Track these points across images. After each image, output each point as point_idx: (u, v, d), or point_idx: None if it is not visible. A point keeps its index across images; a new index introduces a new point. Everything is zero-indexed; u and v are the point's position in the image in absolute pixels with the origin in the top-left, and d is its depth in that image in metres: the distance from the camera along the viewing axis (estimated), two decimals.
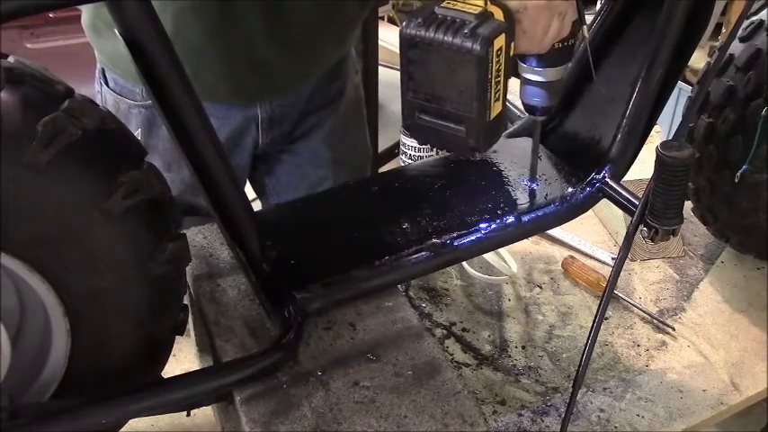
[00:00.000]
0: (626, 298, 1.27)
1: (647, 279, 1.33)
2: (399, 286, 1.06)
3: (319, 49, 1.23)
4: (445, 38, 0.83)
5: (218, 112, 1.17)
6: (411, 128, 0.93)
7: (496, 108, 0.89)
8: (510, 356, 1.17)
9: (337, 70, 1.32)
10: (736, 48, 1.16)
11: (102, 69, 1.24)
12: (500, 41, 0.84)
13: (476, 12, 0.84)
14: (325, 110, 1.33)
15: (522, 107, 1.21)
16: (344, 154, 1.39)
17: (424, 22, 0.85)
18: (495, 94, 0.88)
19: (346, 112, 1.37)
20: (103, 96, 1.25)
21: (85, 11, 1.19)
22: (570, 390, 0.95)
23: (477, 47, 0.82)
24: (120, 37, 0.78)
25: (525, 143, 1.17)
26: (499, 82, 0.88)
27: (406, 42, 0.86)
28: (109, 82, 1.23)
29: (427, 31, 0.84)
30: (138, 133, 1.21)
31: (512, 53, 0.89)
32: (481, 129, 0.89)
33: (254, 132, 1.26)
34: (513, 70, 0.92)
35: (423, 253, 0.99)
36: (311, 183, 1.37)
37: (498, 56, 0.85)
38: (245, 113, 1.23)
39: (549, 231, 1.41)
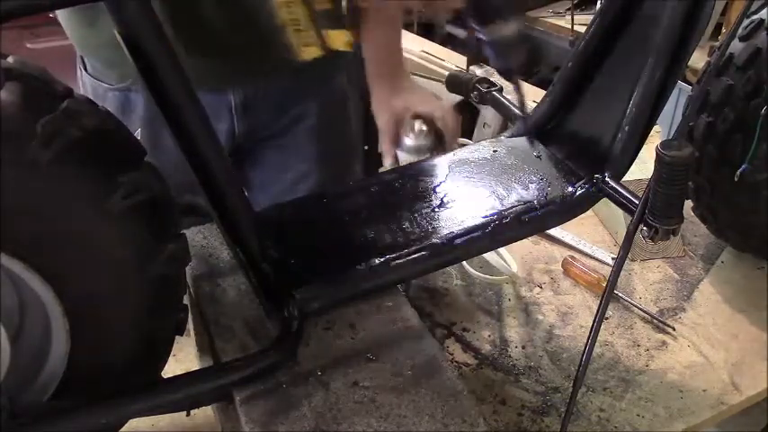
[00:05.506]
0: (626, 298, 1.27)
1: (647, 279, 1.33)
2: (399, 286, 1.05)
3: (281, 37, 1.21)
4: None
5: None
6: None
7: None
8: (510, 356, 1.16)
9: (321, 65, 1.31)
10: (736, 47, 1.15)
11: (81, 57, 1.30)
12: None
13: None
14: (309, 104, 1.33)
15: (521, 107, 1.22)
16: (329, 149, 1.39)
17: None
18: None
19: (332, 108, 1.37)
20: (83, 81, 1.31)
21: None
22: (570, 390, 0.94)
23: None
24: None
25: (525, 143, 1.17)
26: None
27: None
28: (87, 67, 1.30)
29: None
30: (137, 133, 1.21)
31: None
32: None
33: (229, 118, 1.27)
34: None
35: (423, 253, 0.99)
36: (295, 176, 1.37)
37: None
38: (216, 98, 1.23)
39: (549, 231, 1.41)
